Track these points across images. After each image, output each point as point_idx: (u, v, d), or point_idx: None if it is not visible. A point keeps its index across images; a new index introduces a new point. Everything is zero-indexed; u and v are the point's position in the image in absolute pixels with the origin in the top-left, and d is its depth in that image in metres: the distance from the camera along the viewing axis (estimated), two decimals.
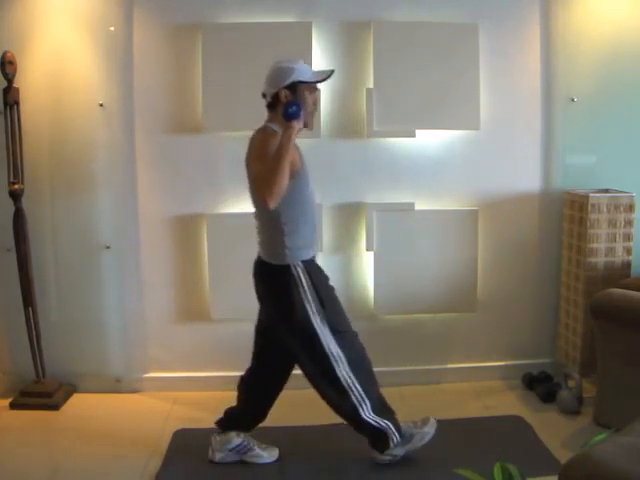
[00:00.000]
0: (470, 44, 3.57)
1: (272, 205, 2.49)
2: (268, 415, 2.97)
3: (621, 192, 3.56)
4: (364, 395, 2.75)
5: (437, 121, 3.61)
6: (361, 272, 3.72)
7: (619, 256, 3.53)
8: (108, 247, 3.62)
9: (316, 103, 2.74)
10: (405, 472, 2.83)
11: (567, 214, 3.66)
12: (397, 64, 3.55)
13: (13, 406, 3.50)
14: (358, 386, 2.74)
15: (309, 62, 3.50)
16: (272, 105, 2.68)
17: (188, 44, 3.54)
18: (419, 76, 3.57)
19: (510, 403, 3.52)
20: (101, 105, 3.52)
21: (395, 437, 2.80)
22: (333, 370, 2.72)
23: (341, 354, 2.72)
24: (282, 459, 2.94)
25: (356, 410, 2.75)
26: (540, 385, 3.60)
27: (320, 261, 3.60)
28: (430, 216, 3.68)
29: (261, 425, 2.97)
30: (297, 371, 3.69)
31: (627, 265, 3.54)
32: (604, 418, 3.11)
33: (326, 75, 2.71)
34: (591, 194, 3.49)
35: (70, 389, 3.66)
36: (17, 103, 3.43)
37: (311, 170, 3.60)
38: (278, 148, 2.51)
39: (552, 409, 3.42)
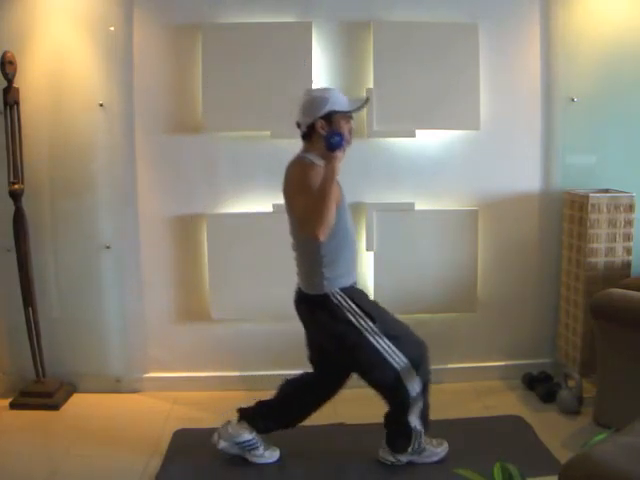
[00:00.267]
0: (470, 44, 3.57)
1: (323, 238, 2.50)
2: None
3: (621, 192, 3.56)
4: (419, 398, 2.76)
5: (437, 121, 3.61)
6: (361, 272, 3.72)
7: (619, 256, 3.53)
8: (108, 247, 3.62)
9: (351, 132, 2.70)
10: (405, 472, 2.83)
11: (567, 214, 3.66)
12: (397, 64, 3.55)
13: (13, 406, 3.50)
14: (418, 388, 2.74)
15: (309, 62, 3.51)
16: (307, 135, 2.68)
17: (188, 44, 3.54)
18: (419, 76, 3.57)
19: (510, 403, 3.53)
20: (101, 105, 3.52)
21: (416, 445, 2.81)
22: (400, 379, 2.71)
23: (403, 358, 2.71)
24: (282, 459, 2.94)
25: (407, 409, 2.75)
26: (540, 385, 3.60)
27: None
28: (430, 216, 3.68)
29: None
30: (295, 371, 3.72)
31: (627, 265, 3.54)
32: (604, 418, 3.11)
33: (361, 104, 2.70)
34: (591, 194, 3.49)
35: (70, 389, 3.66)
36: (17, 103, 3.43)
37: None
38: (324, 181, 2.50)
39: (552, 409, 3.42)
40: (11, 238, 3.48)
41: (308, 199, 2.52)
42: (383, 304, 3.47)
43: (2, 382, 3.65)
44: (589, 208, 3.45)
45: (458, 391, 3.66)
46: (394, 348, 2.70)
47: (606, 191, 3.62)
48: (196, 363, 3.76)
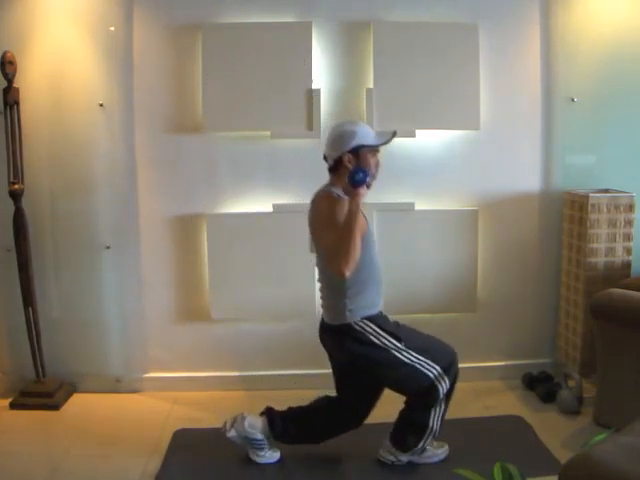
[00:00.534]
0: (470, 44, 3.57)
1: (348, 273, 2.51)
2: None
3: (621, 192, 3.56)
4: (444, 399, 2.78)
5: (437, 121, 3.61)
6: None
7: (619, 256, 3.53)
8: (108, 247, 3.62)
9: (378, 165, 2.72)
10: (405, 472, 2.83)
11: (567, 214, 3.66)
12: (397, 64, 3.55)
13: (13, 406, 3.49)
14: (446, 390, 2.76)
15: (309, 62, 3.51)
16: (334, 168, 2.70)
17: (188, 44, 3.54)
18: (419, 76, 3.57)
19: (510, 403, 3.53)
20: (101, 105, 3.52)
21: (422, 444, 2.82)
22: (433, 384, 2.73)
23: (435, 365, 2.73)
24: (282, 459, 2.94)
25: (430, 409, 2.76)
26: (540, 385, 3.60)
27: None
28: (430, 216, 3.68)
29: None
30: (295, 371, 3.73)
31: (627, 265, 3.54)
32: (604, 418, 3.11)
33: (388, 138, 2.70)
34: (591, 194, 3.49)
35: (70, 389, 3.66)
36: (17, 103, 3.43)
37: (311, 170, 3.63)
38: (348, 217, 2.52)
39: (552, 409, 3.42)
40: (11, 238, 3.48)
41: (334, 234, 2.54)
42: (383, 304, 3.47)
43: (2, 382, 3.65)
44: (589, 208, 3.45)
45: (458, 391, 3.60)
46: (424, 359, 2.72)
47: (606, 191, 3.62)
48: (196, 363, 3.76)
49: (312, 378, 3.62)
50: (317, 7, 3.56)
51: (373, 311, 2.75)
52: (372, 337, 2.70)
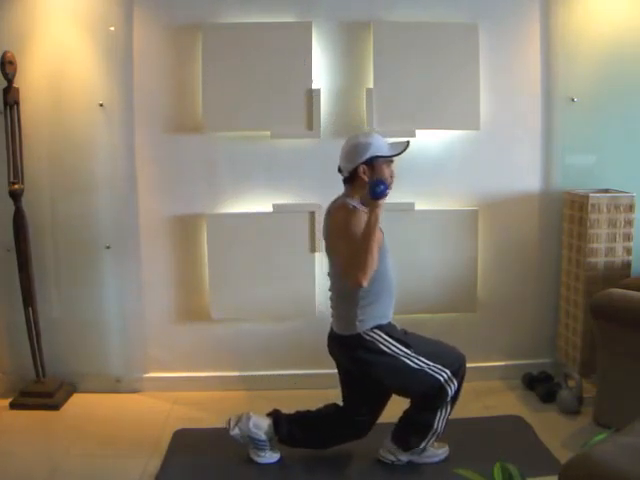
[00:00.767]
0: (470, 44, 3.57)
1: (365, 284, 2.54)
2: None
3: (621, 192, 3.56)
4: (451, 401, 2.78)
5: (437, 121, 3.61)
6: None
7: (619, 256, 3.53)
8: (108, 247, 3.62)
9: (393, 176, 2.75)
10: (405, 472, 2.84)
11: (567, 214, 3.66)
12: (397, 64, 3.55)
13: (13, 406, 3.49)
14: (454, 391, 2.78)
15: (309, 62, 3.51)
16: (349, 180, 2.72)
17: (188, 44, 3.54)
18: (419, 76, 3.57)
19: (510, 403, 3.53)
20: (101, 105, 3.52)
21: (424, 445, 2.82)
22: (442, 386, 2.74)
23: (444, 369, 2.74)
24: (282, 459, 2.93)
25: (437, 410, 2.76)
26: (540, 385, 3.60)
27: (320, 261, 3.63)
28: (430, 216, 3.68)
29: None
30: (295, 371, 3.73)
31: (627, 265, 3.54)
32: (604, 418, 3.12)
33: (402, 148, 2.72)
34: (591, 194, 3.49)
35: (70, 389, 3.66)
36: (17, 103, 3.43)
37: (311, 170, 3.63)
38: (367, 228, 2.55)
39: (552, 409, 3.42)
40: (11, 238, 3.48)
41: (351, 245, 2.57)
42: None
43: (2, 382, 3.65)
44: (589, 208, 3.45)
45: None
46: (433, 364, 2.74)
47: (606, 191, 3.62)
48: (196, 363, 3.76)
49: (312, 378, 3.63)
50: (317, 7, 3.56)
51: (383, 321, 2.76)
52: (381, 345, 2.71)
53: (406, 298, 3.63)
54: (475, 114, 3.59)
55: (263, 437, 2.87)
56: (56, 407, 3.49)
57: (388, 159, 2.72)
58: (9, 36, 3.45)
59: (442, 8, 3.58)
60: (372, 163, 2.67)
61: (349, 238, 2.59)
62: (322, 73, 3.58)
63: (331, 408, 2.93)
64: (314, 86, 3.53)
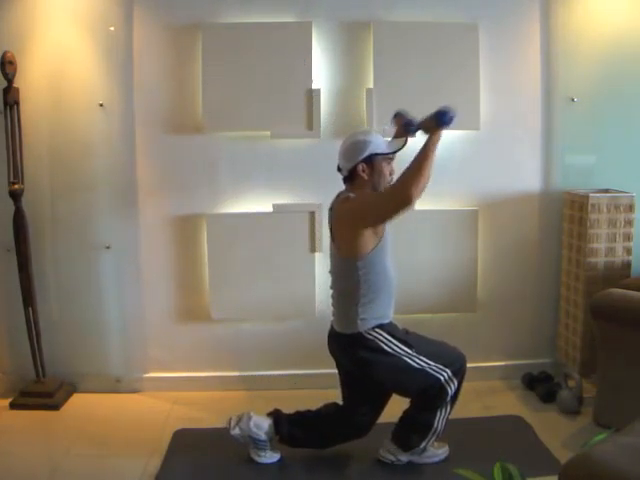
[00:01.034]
0: (470, 44, 3.57)
1: (416, 198, 2.49)
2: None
3: (621, 192, 3.56)
4: (451, 400, 2.79)
5: None
6: None
7: (619, 256, 3.53)
8: (108, 247, 3.62)
9: (392, 173, 2.74)
10: (405, 472, 2.84)
11: (567, 214, 3.66)
12: (397, 64, 3.55)
13: (13, 406, 3.49)
14: (454, 391, 2.78)
15: (309, 62, 3.51)
16: (349, 179, 2.73)
17: (188, 44, 3.54)
18: (419, 76, 3.57)
19: (510, 403, 3.53)
20: (101, 105, 3.52)
21: (424, 444, 2.82)
22: (442, 385, 2.74)
23: (445, 369, 2.74)
24: (282, 459, 2.93)
25: (436, 410, 2.76)
26: (540, 385, 3.60)
27: (320, 261, 3.63)
28: (430, 216, 3.68)
29: None
30: (295, 371, 3.73)
31: (627, 265, 3.54)
32: (604, 418, 3.11)
33: (401, 145, 2.71)
34: (591, 194, 3.49)
35: (70, 389, 3.66)
36: (17, 103, 3.43)
37: (311, 170, 3.63)
38: (424, 149, 2.53)
39: (552, 409, 3.42)
40: (11, 238, 3.48)
41: (374, 196, 2.61)
42: None
43: (2, 382, 3.65)
44: (589, 208, 3.45)
45: None
46: (434, 363, 2.74)
47: (606, 191, 3.62)
48: (196, 363, 3.76)
49: (312, 378, 3.63)
50: (317, 7, 3.56)
51: (384, 321, 2.76)
52: (383, 345, 2.71)
53: (406, 298, 3.63)
54: (475, 114, 3.59)
55: (263, 437, 2.87)
56: (56, 407, 3.49)
57: (387, 156, 2.71)
58: (9, 36, 3.45)
59: (442, 8, 3.58)
60: (371, 161, 2.67)
61: (367, 196, 2.61)
62: (322, 73, 3.58)
63: (331, 408, 2.92)
64: (314, 86, 3.53)
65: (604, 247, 3.51)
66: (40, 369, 3.58)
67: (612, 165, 3.75)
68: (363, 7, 3.57)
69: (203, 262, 3.66)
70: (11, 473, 2.87)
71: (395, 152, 2.72)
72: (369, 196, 2.66)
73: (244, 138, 3.62)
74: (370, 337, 2.71)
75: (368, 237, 2.65)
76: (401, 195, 2.51)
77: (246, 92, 3.52)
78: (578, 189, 3.65)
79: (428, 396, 2.76)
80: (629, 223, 3.51)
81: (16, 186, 3.44)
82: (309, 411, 2.93)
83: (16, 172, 3.43)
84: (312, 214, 3.59)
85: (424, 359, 2.73)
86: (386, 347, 2.71)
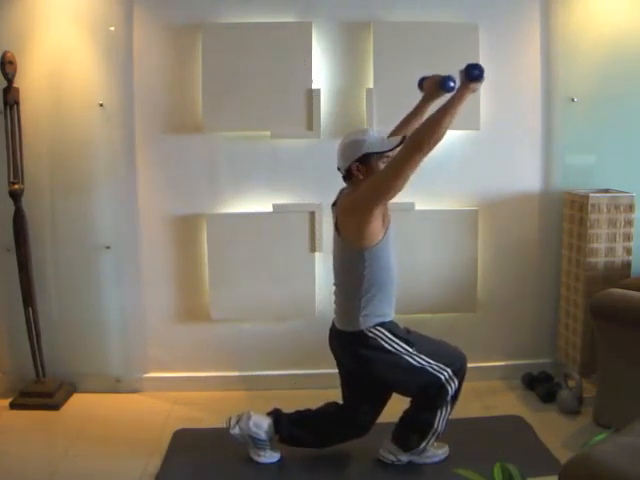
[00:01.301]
0: (470, 44, 3.57)
1: (428, 148, 2.46)
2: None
3: (621, 192, 3.56)
4: (452, 400, 2.78)
5: None
6: None
7: (619, 256, 3.53)
8: (108, 247, 3.62)
9: None
10: (405, 472, 2.84)
11: (567, 214, 3.66)
12: (397, 64, 3.55)
13: (13, 406, 3.49)
14: (454, 391, 2.78)
15: (309, 62, 3.51)
16: (347, 177, 2.73)
17: (188, 44, 3.54)
18: (419, 76, 3.56)
19: (510, 403, 3.53)
20: (101, 105, 3.52)
21: (424, 444, 2.82)
22: (443, 384, 2.74)
23: (446, 368, 2.74)
24: (282, 459, 2.93)
25: (437, 410, 2.76)
26: (540, 385, 3.60)
27: (320, 261, 3.63)
28: (430, 216, 3.68)
29: None
30: (295, 371, 3.73)
31: (627, 265, 3.54)
32: (604, 418, 3.11)
33: (396, 144, 2.68)
34: (591, 194, 3.49)
35: (70, 389, 3.66)
36: (17, 103, 3.43)
37: (311, 170, 3.63)
38: (449, 103, 2.49)
39: (552, 409, 3.42)
40: (11, 238, 3.48)
41: (377, 173, 2.60)
42: None
43: (2, 382, 3.65)
44: (589, 208, 3.45)
45: None
46: (435, 362, 2.73)
47: (606, 191, 3.62)
48: (196, 363, 3.76)
49: (312, 378, 3.63)
50: (317, 7, 3.56)
51: (386, 319, 2.76)
52: (384, 343, 2.71)
53: (406, 298, 3.63)
54: (475, 114, 3.59)
55: (263, 436, 2.87)
56: (56, 407, 3.49)
57: (383, 155, 2.68)
58: (9, 36, 3.45)
59: (442, 8, 3.58)
60: (366, 161, 2.66)
61: (373, 178, 2.61)
62: (322, 73, 3.58)
63: (331, 407, 2.92)
64: (314, 86, 3.54)
65: (604, 247, 3.51)
66: (40, 369, 3.58)
67: (612, 165, 3.75)
68: (363, 7, 3.57)
69: (203, 262, 3.66)
70: (11, 473, 2.87)
71: (389, 151, 2.69)
72: (376, 175, 2.64)
73: (244, 138, 3.62)
74: (371, 335, 2.71)
75: (375, 226, 2.64)
76: (414, 143, 2.49)
77: (246, 92, 3.52)
78: (578, 189, 3.65)
79: (428, 395, 2.76)
80: (629, 223, 3.51)
81: (16, 186, 3.44)
82: (309, 410, 2.93)
83: (16, 172, 3.43)
84: (312, 214, 3.60)
85: (425, 358, 2.73)
86: (387, 345, 2.71)
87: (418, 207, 3.67)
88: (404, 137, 2.67)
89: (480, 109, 3.60)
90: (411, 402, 2.84)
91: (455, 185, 3.72)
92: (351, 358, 2.80)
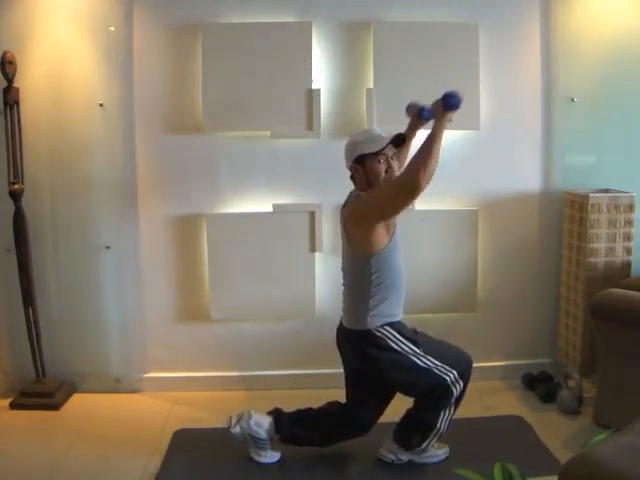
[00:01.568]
0: (470, 44, 3.57)
1: (424, 184, 2.47)
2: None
3: (621, 192, 3.56)
4: (454, 404, 2.79)
5: None
6: None
7: (619, 256, 3.53)
8: (108, 247, 3.62)
9: (391, 169, 2.68)
10: (405, 472, 2.84)
11: (567, 214, 3.66)
12: (397, 64, 3.55)
13: (13, 406, 3.49)
14: (459, 392, 2.78)
15: (309, 62, 3.51)
16: (353, 177, 2.75)
17: (188, 44, 3.54)
18: (419, 76, 3.57)
19: (510, 403, 3.53)
20: (101, 105, 3.52)
21: (425, 444, 2.82)
22: (448, 385, 2.75)
23: (451, 369, 2.75)
24: (282, 459, 2.93)
25: (440, 410, 2.77)
26: (540, 385, 3.60)
27: (320, 261, 3.63)
28: (430, 216, 3.68)
29: None
30: (295, 371, 3.73)
31: (627, 265, 3.54)
32: (604, 418, 3.11)
33: (389, 142, 2.67)
34: (591, 194, 3.49)
35: (70, 389, 3.66)
36: (17, 103, 3.43)
37: (311, 170, 3.63)
38: (431, 135, 2.51)
39: (552, 409, 3.42)
40: (11, 238, 3.48)
41: (386, 186, 2.59)
42: None
43: (2, 382, 3.65)
44: (589, 208, 3.45)
45: None
46: (441, 364, 2.74)
47: (606, 191, 3.62)
48: (196, 363, 3.76)
49: (312, 378, 3.63)
50: (317, 7, 3.56)
51: (394, 319, 2.76)
52: (391, 342, 2.71)
53: (406, 298, 3.61)
54: (475, 114, 3.59)
55: (264, 436, 2.87)
56: (56, 407, 3.49)
57: (377, 155, 2.66)
58: (9, 36, 3.45)
59: (442, 8, 3.58)
60: (362, 162, 2.67)
61: (375, 191, 2.62)
62: (322, 73, 3.58)
63: (333, 406, 2.92)
64: (314, 86, 3.54)
65: (604, 247, 3.51)
66: (40, 369, 3.59)
67: (612, 165, 3.75)
68: (363, 7, 3.57)
69: (203, 262, 3.66)
70: (11, 473, 2.87)
71: (381, 150, 2.67)
72: (378, 190, 2.65)
73: (244, 138, 3.62)
74: (379, 334, 2.71)
75: (381, 234, 2.65)
76: (409, 182, 2.50)
77: (246, 92, 3.52)
78: (578, 189, 3.65)
79: (433, 396, 2.76)
80: (629, 223, 3.51)
81: (16, 186, 3.44)
82: (310, 409, 2.93)
83: (16, 172, 3.43)
84: (312, 214, 3.60)
85: (431, 359, 2.73)
86: (394, 345, 2.71)
87: (418, 207, 3.67)
88: (397, 135, 2.69)
89: (480, 109, 3.60)
90: (415, 402, 2.84)
91: (455, 185, 3.71)
92: (357, 357, 2.80)
